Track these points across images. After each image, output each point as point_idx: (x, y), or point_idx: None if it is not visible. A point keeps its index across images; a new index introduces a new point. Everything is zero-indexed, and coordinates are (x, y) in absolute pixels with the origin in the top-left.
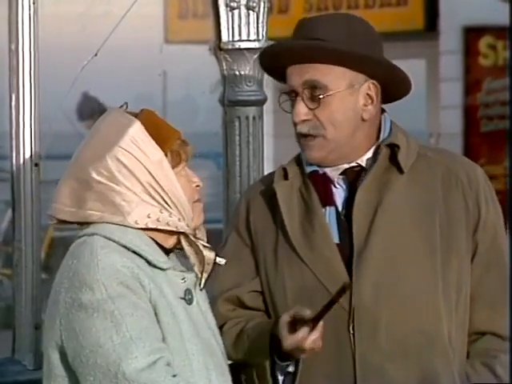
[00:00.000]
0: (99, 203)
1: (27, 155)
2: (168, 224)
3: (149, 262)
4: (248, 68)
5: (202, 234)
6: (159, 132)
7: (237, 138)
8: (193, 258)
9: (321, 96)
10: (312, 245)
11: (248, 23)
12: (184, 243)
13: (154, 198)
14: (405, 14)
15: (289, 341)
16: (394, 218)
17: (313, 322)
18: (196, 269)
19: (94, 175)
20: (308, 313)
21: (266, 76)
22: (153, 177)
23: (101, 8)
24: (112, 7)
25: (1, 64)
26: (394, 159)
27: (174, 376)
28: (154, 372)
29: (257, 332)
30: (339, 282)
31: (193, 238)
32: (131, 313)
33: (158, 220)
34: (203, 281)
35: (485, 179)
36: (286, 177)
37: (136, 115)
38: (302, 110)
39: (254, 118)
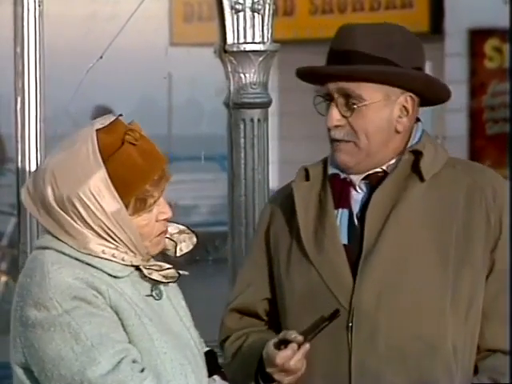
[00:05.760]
0: (57, 227)
1: (32, 158)
2: (123, 259)
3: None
4: (253, 70)
5: (170, 249)
6: (128, 178)
7: (242, 140)
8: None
9: (355, 106)
10: (321, 246)
11: (253, 26)
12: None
13: (108, 240)
14: (410, 17)
15: (274, 359)
16: (407, 224)
17: (300, 343)
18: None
19: (55, 206)
20: (295, 336)
21: (270, 78)
22: (107, 226)
23: (106, 11)
24: (117, 10)
25: (6, 67)
26: (416, 166)
27: (142, 371)
28: (119, 373)
29: (249, 354)
30: (343, 284)
31: (146, 272)
32: (89, 321)
33: (113, 256)
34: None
35: None
36: (307, 178)
37: (116, 147)
38: (335, 115)
39: (258, 120)
